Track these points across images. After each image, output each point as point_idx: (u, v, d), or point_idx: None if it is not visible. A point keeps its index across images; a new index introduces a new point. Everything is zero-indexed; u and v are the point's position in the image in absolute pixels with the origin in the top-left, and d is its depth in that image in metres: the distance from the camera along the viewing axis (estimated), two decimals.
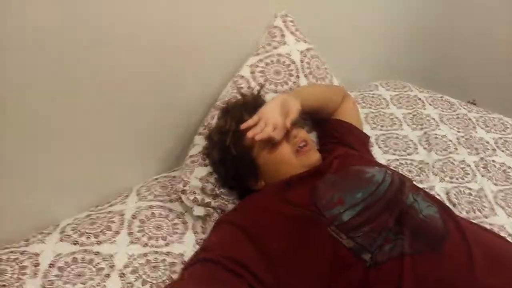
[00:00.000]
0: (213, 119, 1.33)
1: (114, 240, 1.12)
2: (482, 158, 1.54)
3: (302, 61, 1.51)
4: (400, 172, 1.44)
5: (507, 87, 2.44)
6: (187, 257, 1.10)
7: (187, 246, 1.14)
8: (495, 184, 1.43)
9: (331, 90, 1.46)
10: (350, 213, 0.99)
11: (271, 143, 1.15)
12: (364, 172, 1.09)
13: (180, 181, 1.23)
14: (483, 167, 1.50)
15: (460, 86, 2.47)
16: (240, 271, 0.94)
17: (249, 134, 1.11)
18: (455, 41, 2.57)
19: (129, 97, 1.26)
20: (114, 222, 1.17)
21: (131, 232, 1.15)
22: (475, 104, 2.05)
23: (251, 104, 1.23)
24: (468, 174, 1.47)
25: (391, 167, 1.48)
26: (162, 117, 1.37)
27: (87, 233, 1.13)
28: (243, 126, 1.14)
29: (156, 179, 1.37)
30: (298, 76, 1.47)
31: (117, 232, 1.14)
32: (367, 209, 0.99)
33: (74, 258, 1.06)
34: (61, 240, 1.11)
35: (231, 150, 1.16)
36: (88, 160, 1.24)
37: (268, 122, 1.12)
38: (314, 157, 1.18)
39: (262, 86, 1.33)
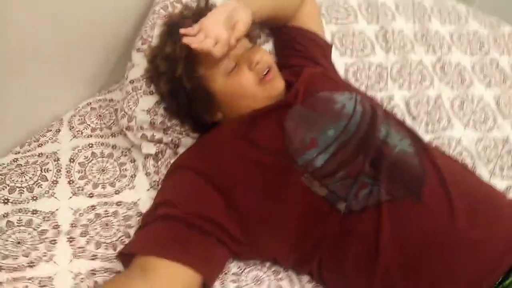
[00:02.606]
0: (153, 30, 1.09)
1: (53, 193, 0.96)
2: (439, 58, 1.48)
3: None
4: (359, 81, 1.35)
5: None
6: (141, 206, 0.98)
7: (140, 191, 1.01)
8: (452, 88, 1.40)
9: None
10: (324, 156, 0.89)
11: (228, 71, 0.97)
12: (334, 101, 0.97)
13: (123, 115, 1.03)
14: (440, 69, 1.45)
15: None
16: (208, 228, 0.86)
17: (185, 39, 0.90)
18: None
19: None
20: (49, 170, 0.99)
21: (72, 181, 0.99)
22: None
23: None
24: (426, 78, 1.41)
25: (350, 73, 1.37)
26: (84, 28, 1.08)
27: (17, 187, 0.95)
28: (182, 31, 0.92)
29: (89, 104, 1.15)
30: None
31: (55, 182, 0.98)
32: (340, 150, 0.90)
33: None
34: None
35: (182, 82, 0.96)
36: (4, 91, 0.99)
37: (209, 34, 0.91)
38: (279, 85, 1.01)
39: None
